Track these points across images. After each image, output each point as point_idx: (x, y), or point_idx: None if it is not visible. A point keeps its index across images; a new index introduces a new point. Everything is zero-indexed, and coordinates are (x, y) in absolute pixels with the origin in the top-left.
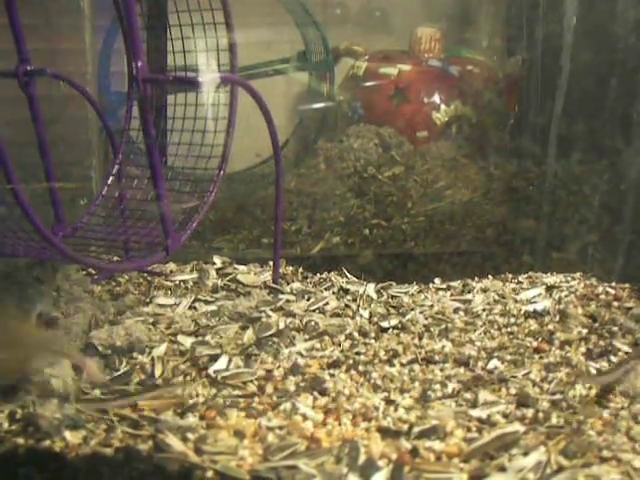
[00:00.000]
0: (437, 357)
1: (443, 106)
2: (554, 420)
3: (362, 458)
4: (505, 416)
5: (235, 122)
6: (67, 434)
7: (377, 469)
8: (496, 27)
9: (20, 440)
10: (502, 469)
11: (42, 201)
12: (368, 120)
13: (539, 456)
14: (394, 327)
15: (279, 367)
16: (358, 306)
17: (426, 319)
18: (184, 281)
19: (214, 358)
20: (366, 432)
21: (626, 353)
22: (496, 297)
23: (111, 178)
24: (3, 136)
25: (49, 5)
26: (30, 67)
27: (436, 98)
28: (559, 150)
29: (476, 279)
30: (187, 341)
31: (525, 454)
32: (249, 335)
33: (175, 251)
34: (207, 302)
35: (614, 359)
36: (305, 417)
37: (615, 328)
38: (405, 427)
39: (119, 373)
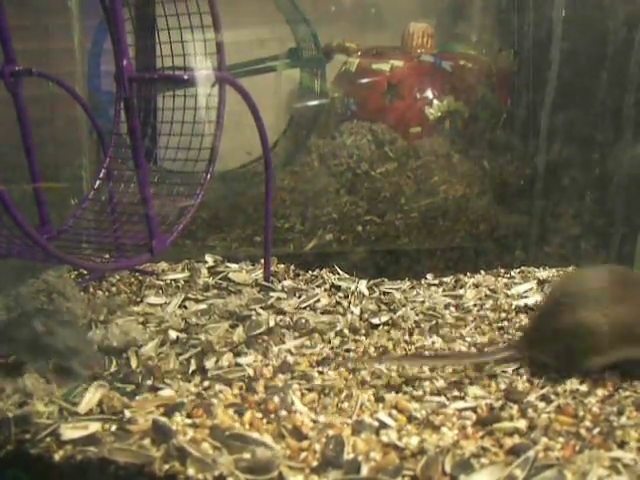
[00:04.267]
0: (427, 353)
1: (436, 101)
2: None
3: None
4: None
5: (223, 121)
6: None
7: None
8: (487, 21)
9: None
10: None
11: (29, 202)
12: (361, 116)
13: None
14: (385, 323)
15: (268, 365)
16: (349, 303)
17: (417, 315)
18: (175, 280)
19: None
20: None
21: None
22: (488, 292)
23: (98, 182)
24: None
25: (37, 5)
26: (16, 67)
27: (429, 93)
28: (551, 144)
29: (468, 274)
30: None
31: None
32: (239, 333)
33: (160, 252)
34: (197, 301)
35: None
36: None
37: None
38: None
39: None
